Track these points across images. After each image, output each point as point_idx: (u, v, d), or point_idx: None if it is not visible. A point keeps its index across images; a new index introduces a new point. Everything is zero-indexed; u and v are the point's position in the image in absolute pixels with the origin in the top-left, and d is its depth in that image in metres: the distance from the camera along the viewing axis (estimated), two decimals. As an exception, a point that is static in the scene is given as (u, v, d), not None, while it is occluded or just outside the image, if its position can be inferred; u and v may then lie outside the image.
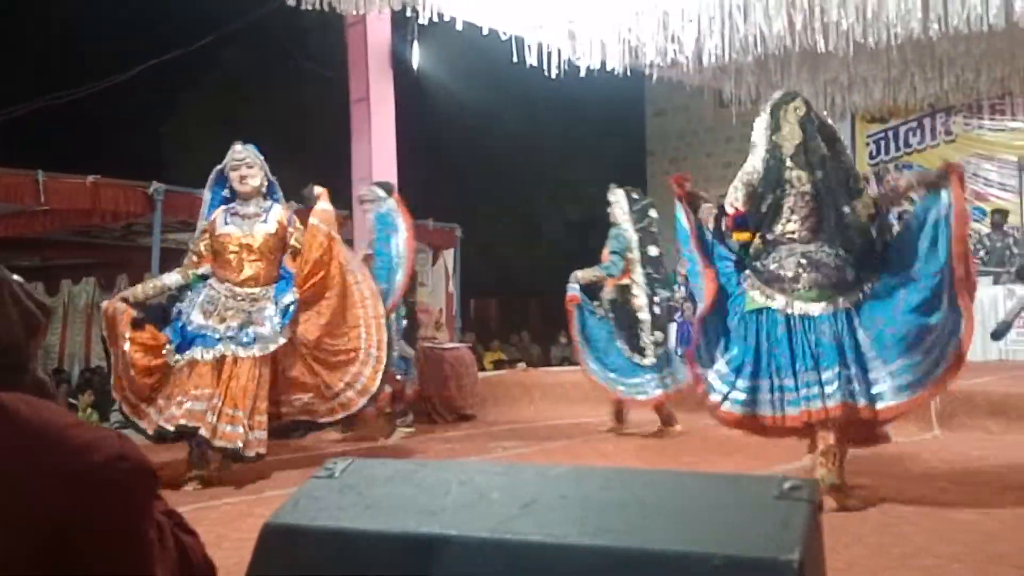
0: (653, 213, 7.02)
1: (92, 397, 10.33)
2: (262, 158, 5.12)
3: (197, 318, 4.88)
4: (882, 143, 12.89)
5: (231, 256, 5.01)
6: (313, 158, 8.72)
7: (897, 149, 12.76)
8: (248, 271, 5.01)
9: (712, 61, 8.85)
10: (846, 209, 4.04)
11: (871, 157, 12.98)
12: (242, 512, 4.04)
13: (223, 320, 4.86)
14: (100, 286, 15.12)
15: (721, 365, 4.15)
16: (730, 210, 4.17)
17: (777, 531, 1.38)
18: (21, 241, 11.05)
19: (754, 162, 4.15)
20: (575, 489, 1.59)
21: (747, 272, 4.22)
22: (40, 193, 8.38)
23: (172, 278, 5.11)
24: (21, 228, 10.01)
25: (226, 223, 5.05)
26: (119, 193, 8.90)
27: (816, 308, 4.01)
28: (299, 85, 12.08)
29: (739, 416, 4.08)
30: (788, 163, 4.09)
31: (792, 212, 4.08)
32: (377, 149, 8.38)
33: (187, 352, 4.79)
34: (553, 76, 8.82)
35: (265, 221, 5.08)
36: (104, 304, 5.02)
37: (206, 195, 5.19)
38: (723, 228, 4.29)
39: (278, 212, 5.15)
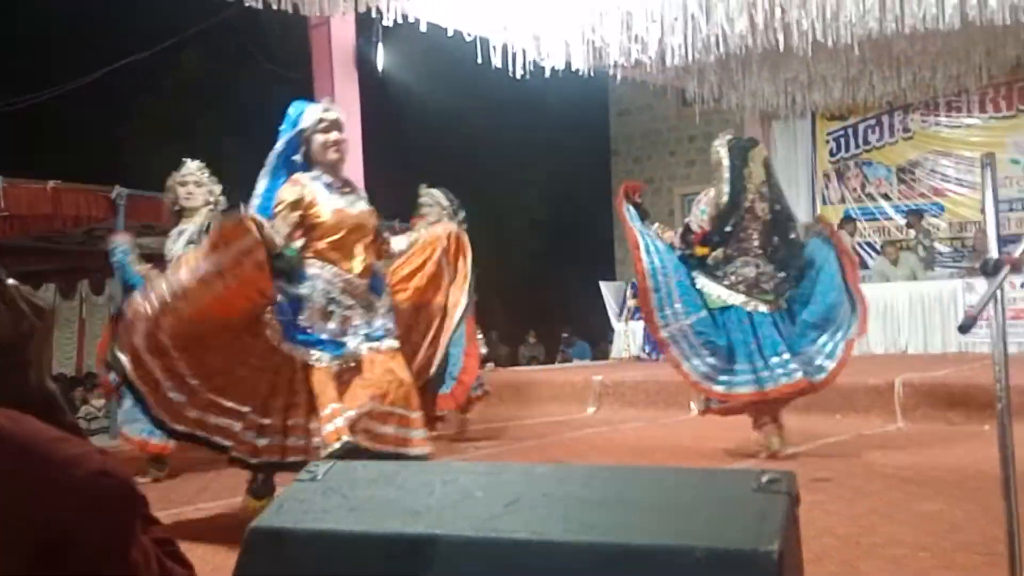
0: (463, 213, 7.14)
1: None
2: None
3: (320, 324, 3.81)
4: (842, 140, 13.06)
5: (346, 237, 3.91)
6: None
7: (857, 146, 12.94)
8: (365, 258, 3.95)
9: (675, 61, 8.93)
10: (795, 233, 5.30)
11: (832, 154, 13.15)
12: (214, 518, 4.03)
13: (345, 321, 3.86)
14: (60, 292, 14.95)
15: (704, 359, 5.11)
16: (697, 229, 5.23)
17: (756, 523, 1.42)
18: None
19: (721, 191, 5.16)
20: (558, 487, 1.62)
21: (704, 278, 5.21)
22: (0, 199, 8.25)
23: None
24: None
25: (329, 195, 3.90)
26: (80, 198, 8.79)
27: (767, 307, 5.15)
28: (263, 87, 12.01)
29: (748, 394, 5.06)
30: (752, 195, 5.16)
31: (748, 232, 5.16)
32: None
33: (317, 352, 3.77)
34: (518, 77, 8.85)
35: (362, 197, 4.07)
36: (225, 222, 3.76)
37: (271, 161, 3.90)
38: (688, 242, 5.26)
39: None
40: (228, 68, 12.48)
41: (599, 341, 13.82)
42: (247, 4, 7.17)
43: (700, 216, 5.21)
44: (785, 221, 5.27)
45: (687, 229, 5.29)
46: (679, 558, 1.40)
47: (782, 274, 5.19)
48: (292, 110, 3.96)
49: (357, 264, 3.90)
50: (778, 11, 7.82)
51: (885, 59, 10.23)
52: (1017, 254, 1.92)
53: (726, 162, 5.16)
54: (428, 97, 11.19)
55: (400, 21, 7.95)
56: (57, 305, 15.05)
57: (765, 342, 5.07)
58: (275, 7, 7.08)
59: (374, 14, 8.10)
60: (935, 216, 12.28)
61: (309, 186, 3.84)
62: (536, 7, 8.50)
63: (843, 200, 13.02)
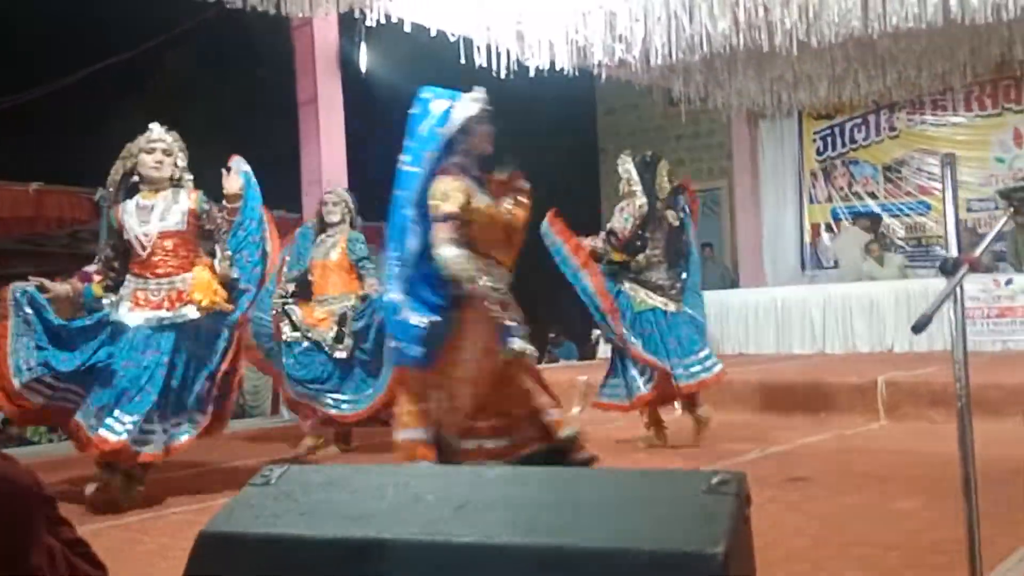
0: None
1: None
2: None
3: (507, 313, 3.62)
4: (829, 139, 13.08)
5: (496, 233, 3.67)
6: (262, 162, 8.63)
7: (843, 145, 12.96)
8: (509, 253, 3.76)
9: (659, 60, 8.94)
10: (685, 238, 5.85)
11: (819, 153, 13.18)
12: (189, 521, 4.00)
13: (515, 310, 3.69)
14: (47, 295, 14.88)
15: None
16: (621, 235, 5.62)
17: (703, 525, 1.42)
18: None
19: (640, 202, 5.59)
20: (509, 489, 1.61)
21: (628, 283, 5.69)
22: (-19, 201, 8.22)
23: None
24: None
25: (480, 190, 3.66)
26: (63, 200, 8.77)
27: (676, 307, 5.69)
28: (246, 88, 11.98)
29: (648, 396, 5.57)
30: (661, 205, 5.68)
31: (657, 239, 5.68)
32: (327, 151, 8.33)
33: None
34: (502, 76, 8.84)
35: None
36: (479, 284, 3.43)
37: (434, 157, 3.50)
38: (613, 245, 5.66)
39: None
40: (212, 69, 12.44)
41: (586, 341, 13.79)
42: (228, 5, 7.16)
43: (624, 223, 5.64)
44: (681, 229, 5.87)
45: (611, 232, 5.69)
46: (625, 560, 1.40)
47: (684, 276, 5.83)
48: (433, 98, 3.58)
49: (506, 258, 3.70)
50: (761, 10, 7.82)
51: (870, 58, 10.25)
52: (977, 254, 1.92)
53: (635, 176, 5.67)
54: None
55: (383, 21, 7.95)
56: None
57: (684, 341, 5.65)
58: (258, 8, 7.06)
59: (357, 14, 8.10)
60: (921, 215, 12.31)
61: (466, 182, 3.56)
62: (519, 7, 8.49)
63: (830, 199, 13.05)
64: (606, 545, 1.43)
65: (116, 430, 4.34)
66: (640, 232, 5.64)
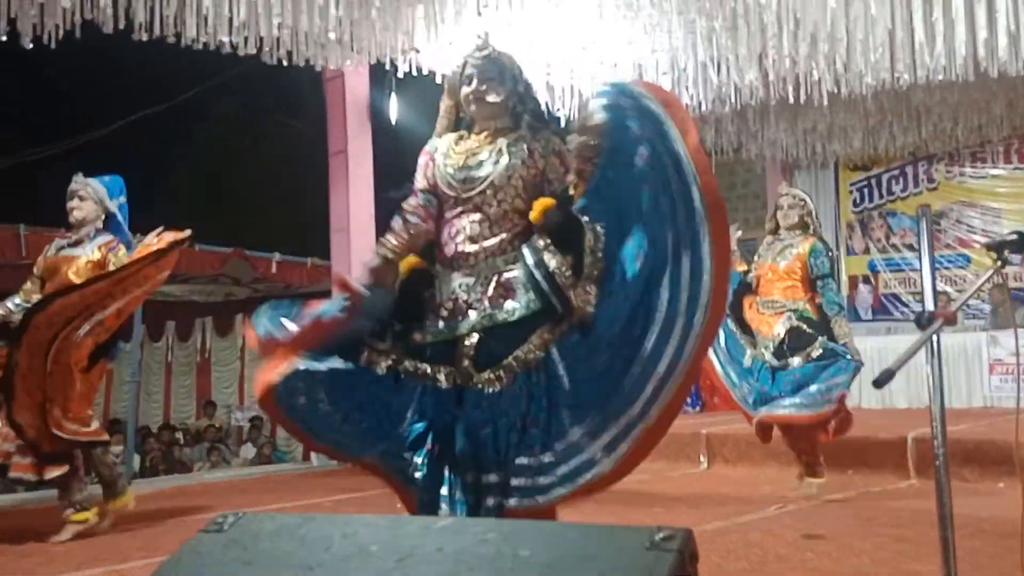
0: None
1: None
2: None
3: None
4: (865, 191, 12.97)
5: None
6: (292, 210, 8.81)
7: (880, 197, 12.84)
8: None
9: (690, 112, 8.95)
10: None
11: (855, 205, 13.06)
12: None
13: None
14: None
15: None
16: None
17: (640, 583, 1.38)
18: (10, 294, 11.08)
19: None
20: (453, 542, 1.59)
21: None
22: (22, 247, 8.41)
23: None
24: (5, 283, 10.00)
25: None
26: (101, 247, 8.90)
27: None
28: (279, 139, 12.25)
29: None
30: None
31: None
32: (354, 200, 8.43)
33: None
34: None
35: None
36: None
37: None
38: None
39: None
40: (247, 120, 12.72)
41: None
42: (264, 60, 7.30)
43: None
44: None
45: None
46: (557, 618, 1.36)
47: None
48: None
49: None
50: (787, 62, 7.81)
51: (904, 110, 10.18)
52: (953, 309, 1.87)
53: None
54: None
55: (414, 73, 8.06)
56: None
57: None
58: (292, 60, 7.19)
59: (388, 66, 8.23)
60: (961, 268, 12.09)
61: None
62: (548, 57, 8.57)
63: (867, 251, 12.89)
64: (540, 601, 1.40)
65: None
66: None
